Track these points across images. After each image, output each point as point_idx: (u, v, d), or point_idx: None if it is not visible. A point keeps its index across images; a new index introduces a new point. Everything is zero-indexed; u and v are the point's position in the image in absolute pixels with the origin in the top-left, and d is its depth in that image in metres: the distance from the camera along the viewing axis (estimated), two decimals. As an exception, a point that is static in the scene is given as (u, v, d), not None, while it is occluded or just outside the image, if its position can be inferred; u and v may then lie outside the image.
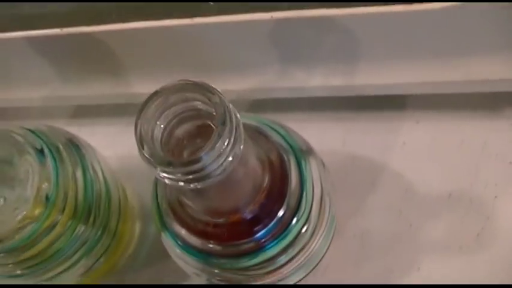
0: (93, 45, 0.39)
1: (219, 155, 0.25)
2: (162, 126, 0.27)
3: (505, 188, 0.40)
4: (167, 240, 0.34)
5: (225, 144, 0.25)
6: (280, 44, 0.37)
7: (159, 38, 0.37)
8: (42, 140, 0.36)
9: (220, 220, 0.31)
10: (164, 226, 0.33)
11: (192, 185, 0.25)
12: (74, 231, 0.36)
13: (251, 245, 0.32)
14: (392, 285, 0.39)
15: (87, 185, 0.37)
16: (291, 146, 0.34)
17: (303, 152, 0.34)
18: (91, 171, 0.37)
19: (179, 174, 0.25)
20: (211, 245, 0.32)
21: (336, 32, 0.36)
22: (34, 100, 0.44)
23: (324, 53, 0.38)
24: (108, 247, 0.40)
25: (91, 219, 0.37)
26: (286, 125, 0.35)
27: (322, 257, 0.38)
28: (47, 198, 0.34)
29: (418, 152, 0.42)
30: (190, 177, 0.25)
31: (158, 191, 0.33)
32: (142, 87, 0.39)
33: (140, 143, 0.25)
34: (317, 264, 0.38)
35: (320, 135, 0.38)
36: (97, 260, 0.39)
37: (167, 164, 0.24)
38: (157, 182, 0.34)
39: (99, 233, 0.38)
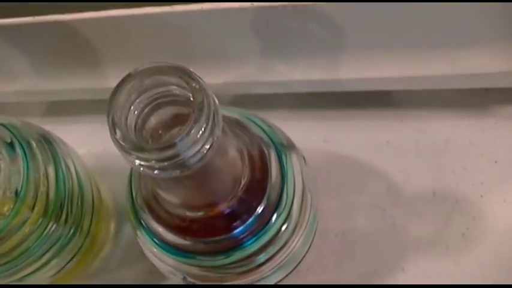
0: (68, 35, 0.37)
1: (195, 142, 0.23)
2: (136, 112, 0.25)
3: (491, 187, 0.40)
4: (143, 239, 0.32)
5: (202, 130, 0.23)
6: (261, 35, 0.36)
7: (137, 26, 0.36)
8: (13, 133, 0.34)
9: (198, 214, 0.29)
10: (140, 223, 0.32)
11: (167, 174, 0.24)
12: (45, 229, 0.35)
13: (229, 241, 0.30)
14: (378, 285, 0.38)
15: (59, 181, 0.35)
16: (272, 140, 0.33)
17: (284, 147, 0.33)
18: (63, 168, 0.36)
19: (153, 161, 0.23)
20: (188, 242, 0.30)
21: (320, 22, 0.35)
22: (7, 95, 0.42)
23: (307, 45, 0.37)
24: (81, 247, 0.38)
25: (63, 217, 0.35)
26: (267, 120, 0.34)
27: (304, 256, 0.37)
28: (17, 193, 0.32)
29: (402, 151, 0.41)
30: (165, 164, 0.23)
31: (133, 187, 0.32)
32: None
33: (113, 127, 0.24)
34: (298, 264, 0.37)
35: (303, 133, 0.36)
36: (69, 260, 0.38)
37: (140, 149, 0.23)
38: (131, 177, 0.32)
39: (72, 231, 0.37)
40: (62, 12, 0.36)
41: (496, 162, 0.40)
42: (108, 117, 0.24)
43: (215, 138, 0.24)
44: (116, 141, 0.23)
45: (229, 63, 0.38)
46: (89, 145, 0.42)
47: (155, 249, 0.32)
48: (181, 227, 0.30)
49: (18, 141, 0.34)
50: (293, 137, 0.35)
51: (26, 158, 0.33)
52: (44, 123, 0.39)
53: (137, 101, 0.25)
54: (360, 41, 0.36)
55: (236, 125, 0.32)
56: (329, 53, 0.37)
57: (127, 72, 0.24)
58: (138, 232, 0.33)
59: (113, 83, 0.38)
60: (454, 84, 0.38)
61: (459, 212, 0.39)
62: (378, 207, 0.40)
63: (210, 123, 0.24)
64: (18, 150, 0.34)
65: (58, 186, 0.35)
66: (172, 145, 0.23)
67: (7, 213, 0.32)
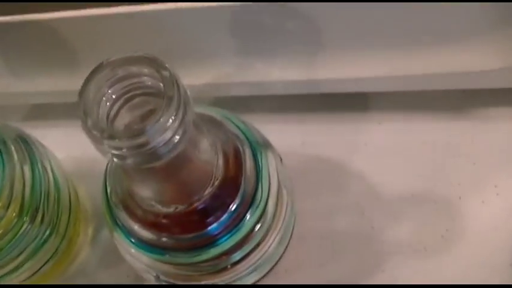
0: (45, 35, 0.37)
1: (165, 130, 0.23)
2: (108, 103, 0.25)
3: (469, 189, 0.40)
4: (119, 238, 0.32)
5: (172, 118, 0.23)
6: (239, 34, 0.36)
7: (115, 25, 0.36)
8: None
9: (171, 210, 0.29)
10: (115, 222, 0.32)
11: (139, 163, 0.24)
12: (20, 229, 0.35)
13: (203, 238, 0.30)
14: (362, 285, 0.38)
15: (35, 181, 0.35)
16: (247, 138, 0.33)
17: (259, 145, 0.33)
18: (40, 168, 0.36)
19: (125, 150, 0.23)
20: (163, 238, 0.30)
21: (297, 21, 0.35)
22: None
23: (285, 44, 0.37)
24: (57, 249, 0.38)
25: (39, 217, 0.35)
26: (243, 119, 0.34)
27: (280, 257, 0.37)
28: (-9, 189, 0.32)
29: (381, 153, 0.41)
30: (136, 152, 0.23)
31: (108, 185, 0.32)
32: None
33: (84, 115, 0.23)
34: (275, 265, 0.37)
35: (281, 136, 0.36)
36: (45, 263, 0.38)
37: (111, 137, 0.23)
38: (107, 176, 0.32)
39: (48, 232, 0.36)
40: (39, 11, 0.36)
41: (474, 163, 0.40)
42: (79, 106, 0.24)
43: (186, 129, 0.24)
44: (87, 130, 0.23)
45: (207, 63, 0.38)
46: (68, 149, 0.42)
47: (130, 248, 0.32)
48: (155, 224, 0.30)
49: (-5, 140, 0.34)
50: (271, 139, 0.35)
51: (1, 156, 0.34)
52: (24, 127, 0.39)
53: (109, 91, 0.25)
54: (338, 40, 0.36)
55: (211, 122, 0.32)
56: (307, 52, 0.37)
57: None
58: (114, 232, 0.32)
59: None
60: (432, 85, 0.38)
61: (438, 213, 0.39)
62: (357, 209, 0.40)
63: (180, 112, 0.24)
64: (-6, 148, 0.33)
65: (34, 186, 0.35)
66: (142, 132, 0.23)
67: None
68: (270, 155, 0.33)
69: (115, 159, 0.24)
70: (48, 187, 0.36)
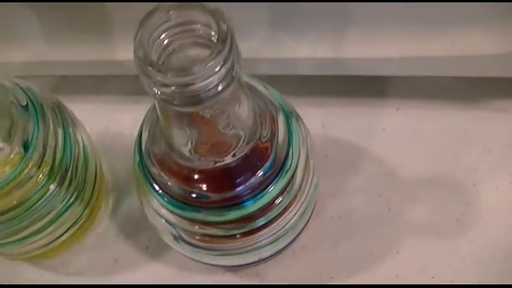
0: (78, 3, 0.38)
1: (212, 75, 0.24)
2: (160, 48, 0.26)
3: (483, 176, 0.41)
4: (153, 201, 0.33)
5: (220, 65, 0.24)
6: (268, 6, 0.37)
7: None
8: (28, 96, 0.35)
9: (206, 166, 0.30)
10: (147, 179, 0.32)
11: (182, 105, 0.25)
12: (48, 190, 0.35)
13: (231, 197, 0.31)
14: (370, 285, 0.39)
15: (67, 146, 0.36)
16: (282, 107, 0.33)
17: (292, 115, 0.34)
18: (72, 135, 0.37)
19: (172, 88, 0.24)
20: (194, 194, 0.31)
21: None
22: (15, 66, 0.43)
23: (313, 21, 0.38)
24: (80, 217, 0.39)
25: (66, 181, 0.36)
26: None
27: (300, 233, 0.37)
28: (25, 148, 0.33)
29: (399, 138, 0.42)
30: (181, 91, 0.24)
31: (143, 141, 0.33)
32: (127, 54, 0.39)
33: (139, 45, 0.24)
34: (294, 239, 0.37)
35: (302, 118, 0.37)
36: (67, 230, 0.38)
37: (160, 71, 0.24)
38: (142, 131, 0.33)
39: (73, 198, 0.37)
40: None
41: (488, 151, 0.41)
42: (135, 38, 0.24)
43: (231, 80, 0.25)
44: (140, 62, 0.24)
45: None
46: (93, 123, 0.42)
47: (159, 204, 0.32)
48: (190, 179, 0.31)
49: (33, 103, 0.35)
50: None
51: (37, 116, 0.34)
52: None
53: (162, 36, 0.26)
54: (364, 19, 0.37)
55: (251, 88, 0.33)
56: (333, 30, 0.38)
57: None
58: (144, 188, 0.33)
59: (122, 56, 0.39)
60: (452, 71, 0.39)
61: (453, 198, 0.40)
62: (374, 191, 0.41)
63: (229, 62, 0.24)
64: (31, 110, 0.34)
65: (65, 150, 0.36)
66: (189, 71, 0.23)
67: (14, 167, 0.33)
68: (302, 126, 0.34)
69: (161, 98, 0.25)
70: (78, 154, 0.37)
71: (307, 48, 0.39)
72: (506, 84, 0.42)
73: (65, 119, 0.37)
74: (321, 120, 0.44)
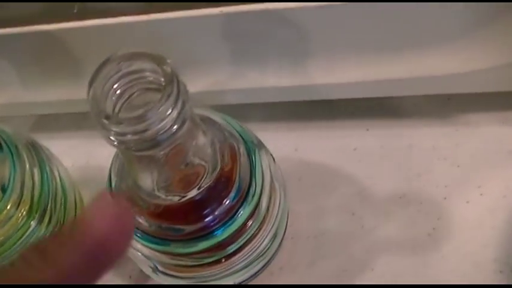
0: (53, 45, 0.39)
1: (165, 119, 0.25)
2: (113, 98, 0.27)
3: (454, 190, 0.42)
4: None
5: (171, 108, 0.25)
6: (231, 41, 0.39)
7: (116, 35, 0.38)
8: (2, 138, 0.37)
9: (171, 201, 0.31)
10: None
11: (141, 149, 0.26)
12: (28, 228, 0.36)
13: (200, 229, 0.32)
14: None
15: (44, 183, 0.37)
16: (242, 137, 0.35)
17: (253, 144, 0.35)
18: (48, 172, 0.38)
19: (129, 136, 0.25)
20: (164, 229, 0.32)
21: (287, 28, 0.37)
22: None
23: (276, 51, 0.39)
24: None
25: (46, 218, 0.37)
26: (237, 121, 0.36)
27: (274, 254, 0.39)
28: (3, 190, 0.34)
29: (369, 157, 0.43)
30: (138, 138, 0.25)
31: (112, 182, 0.34)
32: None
33: (93, 103, 0.26)
34: (269, 261, 0.38)
35: (274, 143, 0.38)
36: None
37: (116, 122, 0.25)
38: (111, 175, 0.34)
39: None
40: (47, 22, 0.38)
41: (458, 166, 0.42)
42: (88, 94, 0.26)
43: (184, 120, 0.26)
44: (96, 117, 0.25)
45: (200, 71, 0.40)
46: (73, 159, 0.44)
47: (138, 245, 0.34)
48: (156, 214, 0.32)
49: (7, 144, 0.36)
50: (266, 146, 0.37)
51: (13, 158, 0.36)
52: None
53: (114, 87, 0.27)
54: (326, 46, 0.38)
55: (208, 121, 0.34)
56: (297, 59, 0.39)
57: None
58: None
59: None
60: (416, 90, 0.40)
61: (425, 213, 0.41)
62: (347, 211, 0.42)
63: (179, 104, 0.26)
64: (6, 151, 0.36)
65: (43, 188, 0.37)
66: (143, 118, 0.25)
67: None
68: (263, 154, 0.35)
69: (120, 147, 0.26)
70: (56, 190, 0.38)
71: (271, 77, 0.40)
72: (471, 99, 0.43)
73: (40, 157, 0.38)
74: (293, 144, 0.45)
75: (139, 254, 0.34)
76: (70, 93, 0.42)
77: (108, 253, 0.21)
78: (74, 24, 0.38)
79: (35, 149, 0.38)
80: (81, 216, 0.21)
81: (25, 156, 0.37)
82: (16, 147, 0.37)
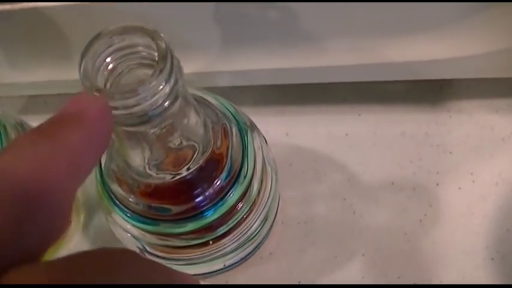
0: (41, 25, 0.39)
1: (156, 94, 0.25)
2: (105, 73, 0.27)
3: (446, 176, 0.41)
4: (116, 217, 0.33)
5: (163, 84, 0.25)
6: (222, 24, 0.38)
7: (105, 16, 0.38)
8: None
9: (162, 180, 0.31)
10: (110, 198, 0.33)
11: (132, 124, 0.25)
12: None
13: (190, 209, 0.32)
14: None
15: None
16: (234, 118, 0.34)
17: (246, 125, 0.34)
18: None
19: (119, 110, 0.25)
20: (154, 208, 0.32)
21: (278, 10, 0.37)
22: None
23: (267, 33, 0.39)
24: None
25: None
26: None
27: (264, 239, 0.38)
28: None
29: (361, 143, 0.43)
30: (129, 113, 0.25)
31: (102, 163, 0.33)
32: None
33: (84, 77, 0.25)
34: (259, 245, 0.38)
35: (265, 127, 0.38)
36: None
37: (107, 96, 0.24)
38: None
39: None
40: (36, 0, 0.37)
41: (450, 153, 0.42)
42: (79, 68, 0.25)
43: (176, 96, 0.26)
44: (86, 90, 0.25)
45: (191, 53, 0.40)
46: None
47: (122, 220, 0.33)
48: (148, 194, 0.31)
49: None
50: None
51: (1, 138, 0.35)
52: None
53: (107, 61, 0.27)
54: (319, 29, 0.38)
55: (202, 101, 0.34)
56: (289, 41, 0.39)
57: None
58: (107, 205, 0.34)
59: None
60: (409, 75, 0.40)
61: (416, 200, 0.41)
62: (338, 197, 0.42)
63: (172, 80, 0.25)
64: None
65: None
66: (134, 93, 0.24)
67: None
68: (256, 135, 0.35)
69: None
70: (43, 171, 0.37)
71: (262, 59, 0.40)
72: (463, 86, 0.43)
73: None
74: (284, 129, 0.44)
75: (128, 234, 0.34)
76: (59, 73, 0.42)
77: (105, 132, 0.21)
78: (63, 3, 0.37)
79: (24, 129, 0.38)
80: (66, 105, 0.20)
81: (14, 136, 0.36)
82: (4, 127, 0.36)
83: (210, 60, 0.40)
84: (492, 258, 0.39)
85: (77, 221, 0.43)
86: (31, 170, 0.17)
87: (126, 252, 0.17)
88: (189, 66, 0.40)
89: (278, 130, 0.44)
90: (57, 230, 0.18)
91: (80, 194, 0.43)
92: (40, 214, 0.17)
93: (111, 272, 0.16)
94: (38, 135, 0.18)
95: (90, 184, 0.42)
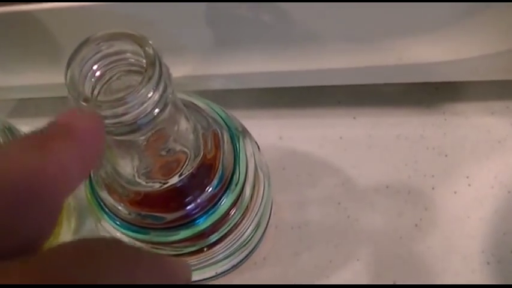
0: (30, 28, 0.38)
1: (145, 102, 0.24)
2: (92, 80, 0.26)
3: (441, 180, 0.41)
4: (106, 225, 0.33)
5: (152, 91, 0.24)
6: (215, 26, 0.38)
7: (96, 18, 0.37)
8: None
9: (151, 188, 0.30)
10: (99, 206, 0.33)
11: (121, 134, 0.25)
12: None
13: (181, 217, 0.31)
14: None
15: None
16: (226, 123, 0.34)
17: (237, 131, 0.34)
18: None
19: (108, 120, 0.24)
20: (144, 217, 0.31)
21: (272, 13, 0.36)
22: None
23: (261, 37, 0.38)
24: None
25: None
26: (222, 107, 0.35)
27: (258, 244, 0.38)
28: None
29: (356, 146, 0.43)
30: (117, 122, 0.24)
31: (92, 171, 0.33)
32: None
33: (71, 86, 0.24)
34: (253, 251, 0.38)
35: (259, 130, 0.38)
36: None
37: (94, 106, 0.24)
38: None
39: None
40: (24, 2, 0.37)
41: (446, 156, 0.42)
42: (66, 77, 0.25)
43: (165, 104, 0.25)
44: (73, 99, 0.24)
45: (184, 56, 0.39)
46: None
47: (113, 229, 0.32)
48: (136, 201, 0.31)
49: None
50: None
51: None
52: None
53: (94, 68, 0.26)
54: (314, 33, 0.37)
55: (192, 107, 0.33)
56: (283, 44, 0.38)
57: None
58: (102, 220, 0.33)
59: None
60: (404, 78, 0.40)
61: (412, 204, 0.40)
62: (333, 201, 0.41)
63: (161, 87, 0.25)
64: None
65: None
66: (123, 102, 0.24)
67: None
68: (248, 141, 0.34)
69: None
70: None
71: (256, 62, 0.39)
72: (459, 88, 0.42)
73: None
74: (278, 132, 0.44)
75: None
76: (49, 77, 0.41)
77: (95, 144, 0.20)
78: (54, 5, 0.36)
79: (11, 133, 0.37)
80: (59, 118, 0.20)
81: (1, 140, 0.36)
82: (-8, 133, 0.36)
83: (203, 63, 0.40)
84: (488, 263, 0.38)
85: (67, 226, 0.42)
86: (20, 174, 0.17)
87: (108, 242, 0.16)
88: (182, 69, 0.40)
89: (271, 133, 0.43)
90: (40, 238, 0.18)
91: (71, 198, 0.43)
92: (29, 213, 0.17)
93: (91, 265, 0.15)
94: (27, 145, 0.18)
95: (82, 187, 0.42)
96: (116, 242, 0.17)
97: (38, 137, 0.18)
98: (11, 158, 0.17)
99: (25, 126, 0.40)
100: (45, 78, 0.42)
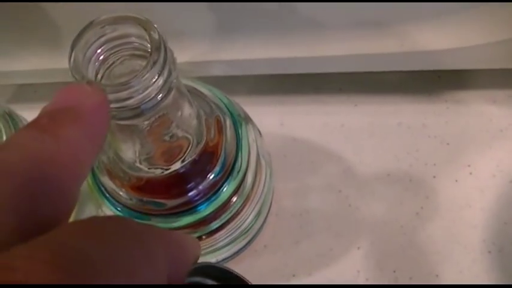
0: (29, 13, 0.38)
1: (149, 87, 0.24)
2: (96, 64, 0.26)
3: (443, 168, 0.41)
4: (106, 210, 0.33)
5: (156, 76, 0.24)
6: (216, 12, 0.37)
7: (96, 4, 0.37)
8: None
9: (153, 174, 0.30)
10: (101, 191, 0.32)
11: (124, 118, 0.25)
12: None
13: (183, 203, 0.31)
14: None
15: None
16: (228, 110, 0.34)
17: (240, 117, 0.34)
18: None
19: (112, 103, 0.24)
20: (146, 203, 0.31)
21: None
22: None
23: (263, 22, 0.38)
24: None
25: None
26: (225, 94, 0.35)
27: (259, 232, 0.38)
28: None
29: (357, 134, 0.43)
30: (121, 106, 0.24)
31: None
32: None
33: (74, 69, 0.24)
34: (253, 239, 0.37)
35: (260, 117, 0.37)
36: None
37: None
38: None
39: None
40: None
41: (448, 144, 0.41)
42: (69, 60, 0.24)
43: (170, 89, 0.25)
44: (75, 81, 0.24)
45: (185, 42, 0.39)
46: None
47: (113, 214, 0.32)
48: (138, 187, 0.31)
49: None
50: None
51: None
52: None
53: (98, 52, 0.26)
54: (315, 17, 0.37)
55: (195, 92, 0.33)
56: (285, 30, 0.38)
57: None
58: (103, 206, 0.33)
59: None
60: (405, 66, 0.39)
61: (413, 192, 0.40)
62: (334, 188, 0.41)
63: (165, 72, 0.24)
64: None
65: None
66: (127, 86, 0.23)
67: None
68: (250, 128, 0.34)
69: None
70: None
71: (257, 49, 0.39)
72: (462, 76, 0.42)
73: (18, 127, 0.37)
74: (279, 119, 0.44)
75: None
76: (49, 62, 0.41)
77: (103, 125, 0.20)
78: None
79: (12, 119, 0.37)
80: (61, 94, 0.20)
81: (1, 126, 0.35)
82: (-7, 117, 0.35)
83: (205, 49, 0.40)
84: (489, 252, 0.38)
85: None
86: (35, 164, 0.17)
87: (118, 218, 0.16)
88: (183, 56, 0.39)
89: (273, 120, 0.43)
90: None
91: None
92: (45, 203, 0.16)
93: (104, 240, 0.15)
94: (39, 132, 0.18)
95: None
96: (125, 219, 0.17)
97: (47, 123, 0.18)
98: (24, 147, 0.17)
99: (25, 112, 0.40)
100: (45, 63, 0.42)
